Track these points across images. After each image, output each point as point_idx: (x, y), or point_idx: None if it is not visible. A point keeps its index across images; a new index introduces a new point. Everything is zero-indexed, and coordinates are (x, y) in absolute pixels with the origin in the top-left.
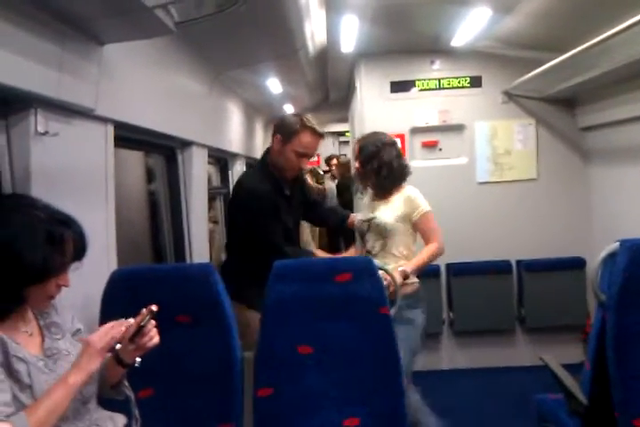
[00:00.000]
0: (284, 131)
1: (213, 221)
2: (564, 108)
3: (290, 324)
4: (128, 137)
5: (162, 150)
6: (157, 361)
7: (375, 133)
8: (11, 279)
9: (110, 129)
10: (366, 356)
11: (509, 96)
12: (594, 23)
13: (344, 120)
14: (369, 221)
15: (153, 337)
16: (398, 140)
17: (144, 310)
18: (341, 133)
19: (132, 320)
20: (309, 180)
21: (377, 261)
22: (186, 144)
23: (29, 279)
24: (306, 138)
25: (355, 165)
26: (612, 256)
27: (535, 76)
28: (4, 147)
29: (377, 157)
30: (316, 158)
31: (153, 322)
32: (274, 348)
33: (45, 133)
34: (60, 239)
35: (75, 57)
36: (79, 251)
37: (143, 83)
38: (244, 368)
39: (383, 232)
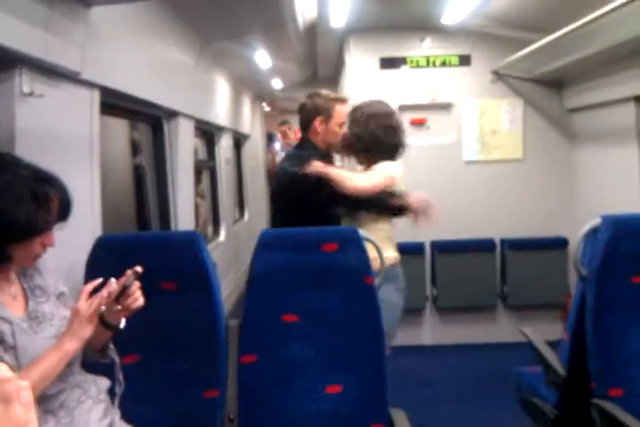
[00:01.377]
0: (321, 112)
1: (200, 195)
2: (551, 89)
3: (275, 292)
4: (115, 104)
5: (148, 119)
6: (143, 328)
7: (372, 102)
8: None
9: (96, 94)
10: (350, 325)
11: (498, 75)
12: (583, 4)
13: None
14: None
15: (137, 298)
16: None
17: (128, 271)
18: None
19: (114, 281)
20: None
21: (362, 232)
22: (172, 114)
23: (14, 237)
24: (340, 108)
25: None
26: (594, 232)
27: (523, 56)
28: None
29: (361, 126)
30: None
31: (137, 283)
32: (259, 315)
33: (31, 94)
34: (44, 197)
35: (61, 18)
36: (64, 210)
37: (129, 49)
38: (229, 335)
39: None
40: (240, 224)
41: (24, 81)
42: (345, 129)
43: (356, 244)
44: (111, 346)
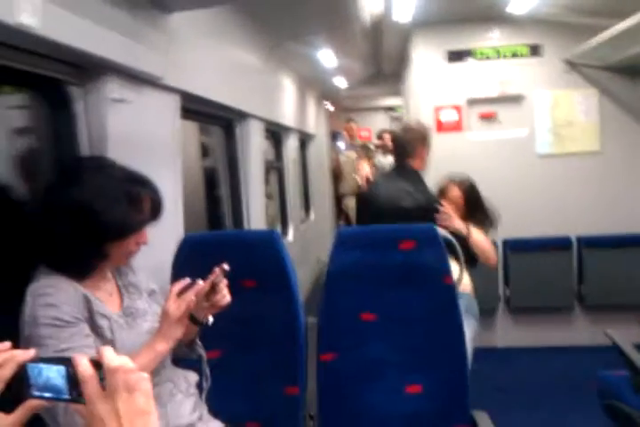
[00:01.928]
0: (426, 143)
1: (267, 196)
2: (628, 78)
3: (353, 291)
4: (190, 108)
5: (220, 122)
6: (225, 324)
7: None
8: (94, 236)
9: (177, 99)
10: (429, 324)
11: (571, 65)
12: None
13: (397, 93)
14: None
15: (225, 295)
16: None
17: (217, 269)
18: (392, 108)
19: (201, 282)
20: (360, 155)
21: (441, 231)
22: (243, 116)
23: (110, 236)
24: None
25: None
26: None
27: (597, 44)
28: (82, 112)
29: None
30: (367, 134)
31: (225, 281)
32: (337, 314)
33: (121, 100)
34: (137, 197)
35: (144, 25)
36: (156, 209)
37: (207, 54)
38: (309, 333)
39: None
40: (306, 224)
41: (114, 88)
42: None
43: (434, 242)
44: (198, 342)
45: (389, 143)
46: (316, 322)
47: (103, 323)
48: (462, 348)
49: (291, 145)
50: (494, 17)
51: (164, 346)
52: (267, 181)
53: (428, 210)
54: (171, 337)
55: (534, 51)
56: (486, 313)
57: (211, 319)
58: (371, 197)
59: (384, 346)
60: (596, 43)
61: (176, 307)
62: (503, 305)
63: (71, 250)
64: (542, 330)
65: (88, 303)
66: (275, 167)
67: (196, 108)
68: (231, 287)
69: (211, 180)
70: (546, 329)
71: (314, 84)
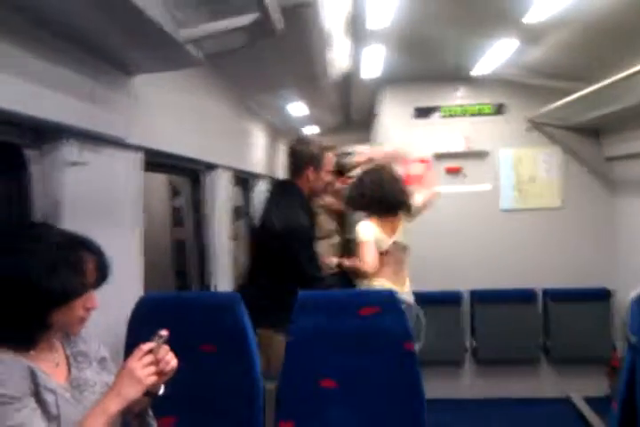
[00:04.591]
0: (313, 161)
1: (234, 238)
2: (589, 137)
3: (313, 356)
4: (155, 162)
5: (188, 173)
6: (181, 389)
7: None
8: (34, 306)
9: (140, 156)
10: (390, 392)
11: (534, 124)
12: (617, 54)
13: (365, 141)
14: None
15: (169, 361)
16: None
17: (156, 336)
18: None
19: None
20: None
21: (402, 296)
22: (211, 167)
23: (52, 304)
24: (328, 156)
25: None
26: None
27: (560, 106)
28: (39, 176)
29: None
30: None
31: (166, 347)
32: (296, 381)
33: (76, 163)
34: (77, 262)
35: (106, 88)
36: (101, 271)
37: (173, 110)
38: (267, 399)
39: None
40: None
41: (70, 151)
42: (330, 176)
43: (395, 307)
44: (150, 412)
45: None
46: (273, 388)
47: (49, 398)
48: (423, 415)
49: (259, 190)
50: (460, 77)
51: (115, 406)
52: (232, 224)
53: (279, 237)
54: (126, 397)
55: (498, 109)
56: (453, 364)
57: (162, 389)
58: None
59: (343, 414)
60: (558, 105)
61: (143, 365)
62: (470, 357)
63: (12, 322)
64: (508, 382)
65: (33, 377)
66: (244, 213)
67: (162, 162)
68: (189, 351)
69: (180, 220)
70: (512, 381)
71: (285, 132)
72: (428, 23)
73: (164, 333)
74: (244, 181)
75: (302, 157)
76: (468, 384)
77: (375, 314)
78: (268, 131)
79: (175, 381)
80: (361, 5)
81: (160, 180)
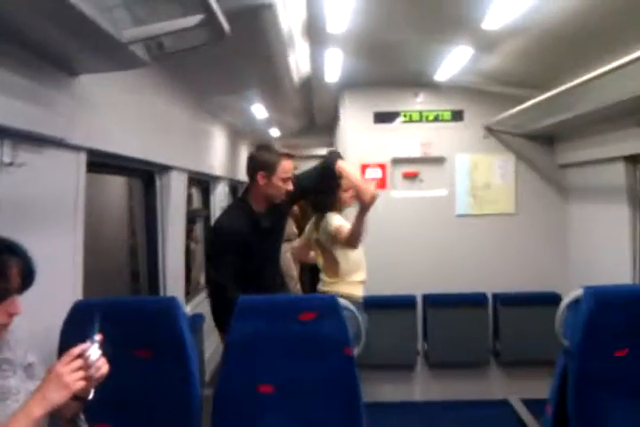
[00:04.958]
0: (264, 166)
1: (194, 240)
2: (543, 145)
3: (251, 362)
4: (104, 162)
5: (140, 174)
6: (116, 396)
7: None
8: None
9: (83, 157)
10: (327, 397)
11: (490, 131)
12: (573, 63)
13: (330, 145)
14: None
15: (99, 367)
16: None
17: (87, 342)
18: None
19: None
20: None
21: (343, 301)
22: (165, 168)
23: None
24: (286, 164)
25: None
26: (576, 302)
27: (515, 113)
28: None
29: None
30: None
31: (98, 352)
32: (234, 386)
33: (11, 164)
34: (0, 266)
35: (46, 88)
36: (26, 276)
37: (121, 110)
38: (204, 406)
39: None
40: None
41: (5, 151)
42: (290, 185)
43: (335, 313)
44: (82, 417)
45: None
46: (211, 394)
47: None
48: (360, 421)
49: (219, 193)
50: (420, 83)
51: (40, 411)
52: (192, 228)
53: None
54: (51, 401)
55: (456, 116)
56: (405, 367)
57: (92, 394)
58: None
59: (282, 420)
60: (513, 112)
61: (71, 369)
62: (422, 360)
63: None
64: (459, 384)
65: None
66: (202, 215)
67: (109, 163)
68: (123, 357)
69: (134, 222)
70: (463, 383)
71: (247, 134)
72: (388, 28)
73: (97, 337)
74: (202, 183)
75: (254, 163)
76: (420, 387)
77: (314, 319)
78: (229, 132)
79: (109, 387)
80: (319, 9)
81: (119, 181)
